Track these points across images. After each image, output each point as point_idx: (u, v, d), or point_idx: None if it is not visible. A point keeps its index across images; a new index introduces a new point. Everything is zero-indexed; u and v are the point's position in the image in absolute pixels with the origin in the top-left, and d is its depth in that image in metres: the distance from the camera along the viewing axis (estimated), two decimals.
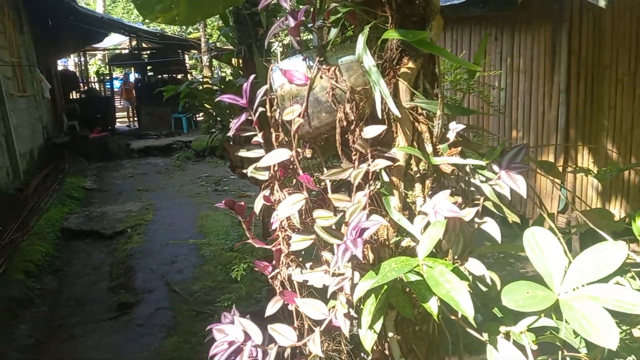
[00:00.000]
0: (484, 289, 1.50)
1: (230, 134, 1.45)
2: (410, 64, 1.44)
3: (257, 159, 1.50)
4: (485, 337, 1.34)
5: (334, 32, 1.37)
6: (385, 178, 1.41)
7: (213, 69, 14.03)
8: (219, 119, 4.37)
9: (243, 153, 1.54)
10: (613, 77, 5.25)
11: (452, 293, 1.14)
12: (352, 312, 1.40)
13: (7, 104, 9.12)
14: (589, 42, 5.28)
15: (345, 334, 1.40)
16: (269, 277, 1.56)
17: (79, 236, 7.17)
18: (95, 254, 6.65)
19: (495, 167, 1.46)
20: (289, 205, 1.38)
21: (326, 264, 1.47)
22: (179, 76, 15.67)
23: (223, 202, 1.48)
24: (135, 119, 16.98)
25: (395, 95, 1.46)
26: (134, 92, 17.16)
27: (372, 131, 1.38)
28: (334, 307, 1.43)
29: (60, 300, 5.31)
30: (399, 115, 1.37)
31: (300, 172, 1.40)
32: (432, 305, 1.27)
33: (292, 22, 1.31)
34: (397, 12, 1.43)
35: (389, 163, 1.36)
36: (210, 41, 14.57)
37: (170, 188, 10.00)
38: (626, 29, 5.14)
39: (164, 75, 15.83)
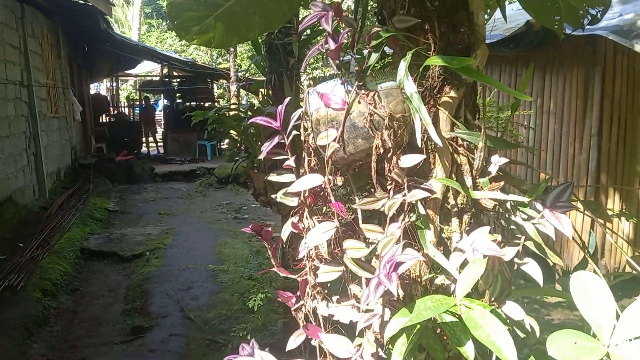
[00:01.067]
0: (521, 335, 1.40)
1: (262, 157, 1.40)
2: (452, 93, 1.38)
3: (287, 185, 1.45)
4: None
5: (374, 57, 1.33)
6: (422, 210, 1.34)
7: (240, 98, 14.21)
8: (244, 146, 4.36)
9: (273, 177, 1.49)
10: None
11: (493, 338, 1.05)
12: (381, 352, 1.31)
13: (39, 124, 9.31)
14: (623, 85, 5.18)
15: None
16: (292, 308, 1.49)
17: (98, 257, 7.17)
18: (113, 275, 6.63)
19: (539, 205, 1.38)
20: (319, 234, 1.31)
21: (354, 298, 1.39)
22: (207, 104, 15.89)
23: (250, 227, 1.42)
24: (161, 144, 17.21)
25: (435, 124, 1.40)
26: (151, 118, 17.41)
27: (410, 160, 1.32)
28: (360, 345, 1.35)
29: (75, 320, 5.26)
30: (440, 144, 1.31)
31: (332, 199, 1.33)
32: (469, 350, 1.18)
33: (332, 45, 1.27)
34: (440, 39, 1.39)
35: (427, 194, 1.29)
36: (239, 71, 14.80)
37: (192, 213, 10.01)
38: None
39: (192, 103, 16.08)
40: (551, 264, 1.40)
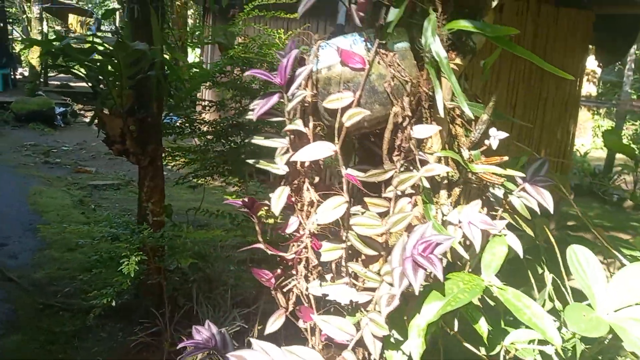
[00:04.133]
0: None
1: (254, 117, 1.18)
2: (458, 60, 1.32)
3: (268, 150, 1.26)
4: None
5: (394, 12, 1.19)
6: (426, 184, 1.27)
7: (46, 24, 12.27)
8: (90, 84, 3.76)
9: (260, 141, 1.27)
10: None
11: (534, 320, 1.06)
12: (384, 332, 1.24)
13: None
14: None
15: (375, 358, 1.23)
16: (271, 288, 1.32)
17: None
18: None
19: (519, 179, 1.42)
20: (330, 210, 1.16)
21: (351, 276, 1.28)
22: None
23: (240, 201, 1.20)
24: None
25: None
26: None
27: (424, 131, 1.23)
28: (357, 323, 1.26)
29: None
30: (442, 116, 1.24)
31: (344, 169, 1.19)
32: (482, 326, 1.18)
33: None
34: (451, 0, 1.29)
35: (447, 169, 1.23)
36: None
37: None
38: None
39: None
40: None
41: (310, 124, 1.22)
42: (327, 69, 1.19)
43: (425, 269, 1.05)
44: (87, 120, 8.89)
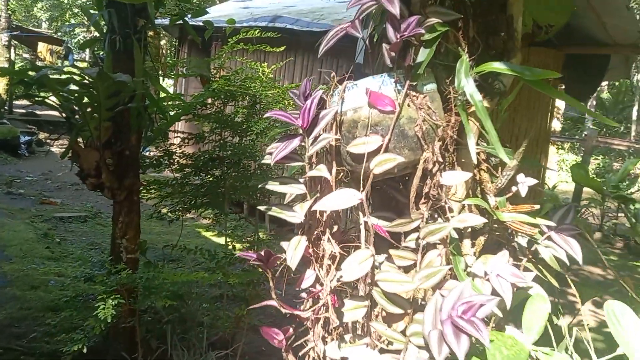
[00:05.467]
0: None
1: (272, 161, 1.07)
2: (486, 103, 1.24)
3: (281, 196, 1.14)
4: None
5: (424, 52, 1.11)
6: (455, 235, 1.17)
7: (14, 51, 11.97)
8: (65, 115, 3.59)
9: (274, 187, 1.15)
10: None
11: None
12: None
13: None
14: None
15: None
16: (282, 350, 1.19)
17: None
18: None
19: (544, 227, 1.34)
20: (355, 265, 1.05)
21: (374, 336, 1.16)
22: None
23: (254, 254, 1.08)
24: None
25: (460, 136, 1.25)
26: None
27: (453, 178, 1.14)
28: None
29: None
30: (474, 162, 1.16)
31: (371, 219, 1.08)
32: None
33: (392, 34, 1.01)
34: (474, 40, 1.23)
35: (482, 220, 1.14)
36: (13, 19, 12.43)
37: None
38: None
39: None
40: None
41: (334, 170, 1.12)
42: (353, 111, 1.10)
43: (469, 335, 0.94)
44: (54, 149, 8.59)
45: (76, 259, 3.21)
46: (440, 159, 1.11)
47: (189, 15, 3.95)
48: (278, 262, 1.10)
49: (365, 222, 1.07)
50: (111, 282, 2.83)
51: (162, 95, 3.75)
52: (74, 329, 3.80)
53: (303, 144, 1.08)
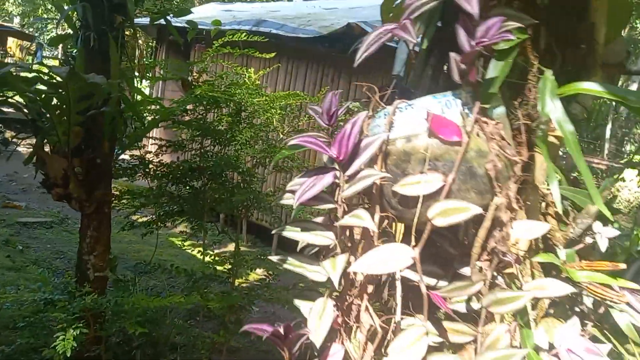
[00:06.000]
0: None
1: (295, 202, 0.79)
2: (558, 132, 0.99)
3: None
4: None
5: (497, 65, 0.85)
6: (528, 306, 0.91)
7: None
8: (30, 117, 3.24)
9: (297, 234, 0.87)
10: None
11: None
12: None
13: None
14: None
15: None
16: None
17: None
18: None
19: (615, 287, 1.09)
20: (405, 350, 0.78)
21: None
22: None
23: (269, 328, 0.80)
24: None
25: (524, 171, 0.99)
26: None
27: (529, 231, 0.88)
28: None
29: None
30: (560, 211, 0.90)
31: (425, 287, 0.81)
32: None
33: (464, 41, 0.75)
34: (546, 52, 0.98)
35: (570, 290, 0.87)
36: None
37: None
38: None
39: None
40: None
41: (376, 217, 0.85)
42: (405, 140, 0.83)
43: None
44: (20, 149, 8.11)
45: (35, 279, 2.86)
46: (515, 206, 0.86)
47: (171, 15, 3.65)
48: (299, 337, 0.82)
49: (421, 288, 0.80)
50: (74, 308, 2.50)
51: (139, 98, 3.43)
52: (34, 350, 3.43)
53: (337, 180, 0.81)
